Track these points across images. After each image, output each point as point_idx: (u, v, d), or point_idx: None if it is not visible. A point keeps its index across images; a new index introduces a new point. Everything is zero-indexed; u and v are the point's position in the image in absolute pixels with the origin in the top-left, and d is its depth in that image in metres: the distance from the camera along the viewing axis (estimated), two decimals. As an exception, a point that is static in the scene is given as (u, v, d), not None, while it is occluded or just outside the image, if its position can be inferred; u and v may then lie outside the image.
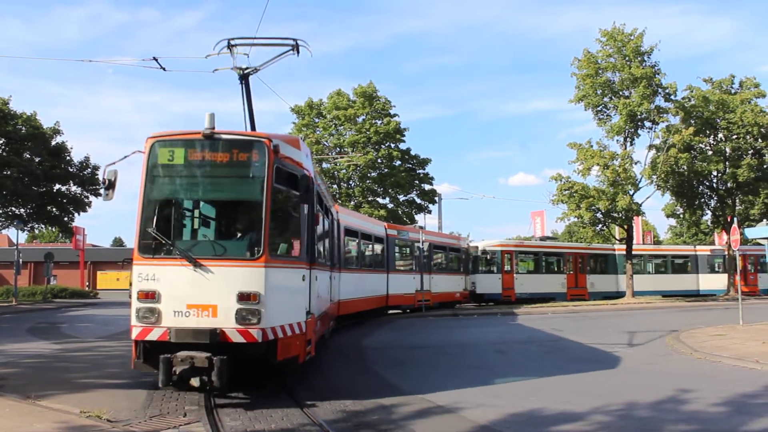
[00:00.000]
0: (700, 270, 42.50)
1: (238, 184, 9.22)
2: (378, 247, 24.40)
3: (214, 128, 8.70)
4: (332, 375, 11.58)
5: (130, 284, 8.63)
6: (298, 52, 11.40)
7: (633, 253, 39.51)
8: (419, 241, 27.87)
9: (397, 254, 26.72)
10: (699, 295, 40.99)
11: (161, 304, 8.26)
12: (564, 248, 40.13)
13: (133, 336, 8.32)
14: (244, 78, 11.70)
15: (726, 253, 42.92)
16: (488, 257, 35.13)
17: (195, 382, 7.93)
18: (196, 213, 10.15)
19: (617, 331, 19.26)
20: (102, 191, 8.76)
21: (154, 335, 8.21)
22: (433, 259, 29.65)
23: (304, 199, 9.21)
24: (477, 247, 35.55)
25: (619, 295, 38.56)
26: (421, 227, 32.16)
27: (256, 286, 8.31)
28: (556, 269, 38.86)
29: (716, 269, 43.15)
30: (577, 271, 38.76)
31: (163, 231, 8.77)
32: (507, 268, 35.39)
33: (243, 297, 8.26)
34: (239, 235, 9.45)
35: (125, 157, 9.16)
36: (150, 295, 8.29)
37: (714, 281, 42.39)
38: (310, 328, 9.67)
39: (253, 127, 11.84)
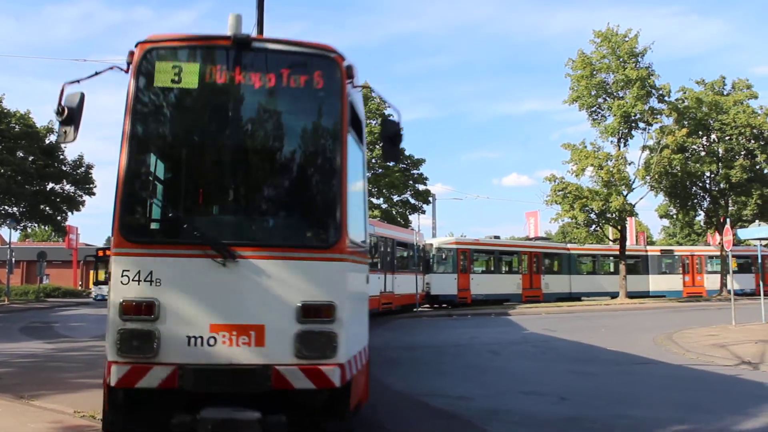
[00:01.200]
0: (650, 271, 41.71)
1: (292, 126, 5.82)
2: None
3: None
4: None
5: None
6: None
7: (583, 252, 39.50)
8: (384, 237, 26.07)
9: None
10: (649, 295, 40.07)
11: (165, 324, 5.05)
12: (519, 247, 38.63)
13: (112, 380, 5.00)
14: None
15: (676, 254, 43.31)
16: (443, 256, 32.68)
17: None
18: (222, 171, 5.91)
19: (611, 332, 19.35)
20: (57, 126, 5.54)
21: (151, 380, 4.98)
22: (396, 257, 27.21)
23: (389, 154, 6.22)
24: (432, 245, 33.04)
25: (572, 296, 37.67)
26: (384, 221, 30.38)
27: (329, 293, 5.26)
28: (511, 269, 37.16)
29: (665, 270, 42.49)
30: (531, 272, 37.10)
31: (166, 200, 5.70)
32: (463, 267, 33.04)
33: (309, 311, 5.18)
34: (296, 209, 5.83)
35: (96, 73, 5.58)
36: (144, 309, 5.05)
37: (664, 282, 41.76)
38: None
39: None
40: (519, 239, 49.60)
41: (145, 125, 5.50)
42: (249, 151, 5.89)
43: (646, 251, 43.46)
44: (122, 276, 5.14)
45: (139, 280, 5.11)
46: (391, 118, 6.45)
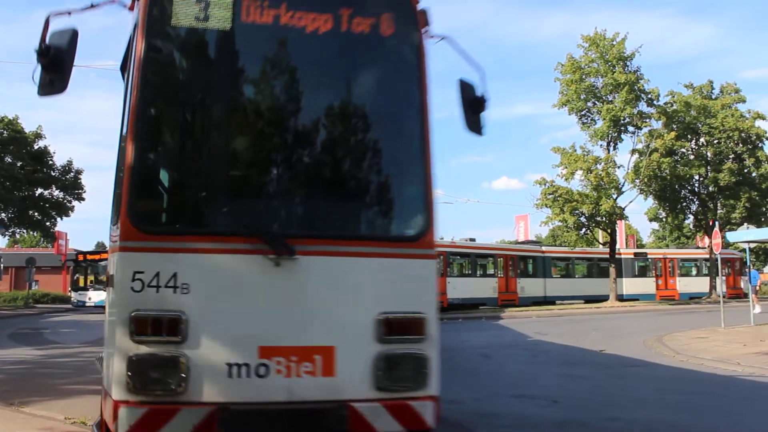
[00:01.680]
0: (624, 274, 40.53)
1: (354, 82, 4.63)
2: None
3: None
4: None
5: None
6: None
7: (557, 255, 39.70)
8: None
9: None
10: (623, 299, 38.92)
11: (196, 347, 3.68)
12: (494, 249, 38.02)
13: (120, 427, 3.59)
14: None
15: (649, 257, 43.40)
16: None
17: None
18: (269, 139, 4.50)
19: (601, 335, 19.39)
20: (37, 71, 3.91)
21: (178, 427, 3.59)
22: None
23: (472, 124, 4.76)
24: None
25: (547, 300, 37.34)
26: None
27: (418, 302, 4.05)
28: (487, 272, 36.13)
29: (638, 273, 41.89)
30: (507, 275, 36.20)
31: (193, 176, 4.27)
32: (439, 270, 31.67)
33: (393, 327, 3.94)
34: (371, 190, 4.46)
35: (92, 6, 4.26)
36: (166, 326, 3.66)
37: (637, 285, 40.99)
38: None
39: None
40: (509, 242, 49.60)
41: (160, 77, 4.11)
42: (303, 113, 4.47)
43: (620, 254, 42.31)
44: (134, 280, 3.68)
45: (157, 286, 3.70)
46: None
